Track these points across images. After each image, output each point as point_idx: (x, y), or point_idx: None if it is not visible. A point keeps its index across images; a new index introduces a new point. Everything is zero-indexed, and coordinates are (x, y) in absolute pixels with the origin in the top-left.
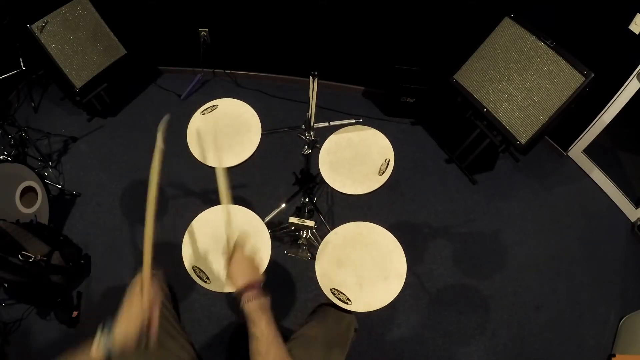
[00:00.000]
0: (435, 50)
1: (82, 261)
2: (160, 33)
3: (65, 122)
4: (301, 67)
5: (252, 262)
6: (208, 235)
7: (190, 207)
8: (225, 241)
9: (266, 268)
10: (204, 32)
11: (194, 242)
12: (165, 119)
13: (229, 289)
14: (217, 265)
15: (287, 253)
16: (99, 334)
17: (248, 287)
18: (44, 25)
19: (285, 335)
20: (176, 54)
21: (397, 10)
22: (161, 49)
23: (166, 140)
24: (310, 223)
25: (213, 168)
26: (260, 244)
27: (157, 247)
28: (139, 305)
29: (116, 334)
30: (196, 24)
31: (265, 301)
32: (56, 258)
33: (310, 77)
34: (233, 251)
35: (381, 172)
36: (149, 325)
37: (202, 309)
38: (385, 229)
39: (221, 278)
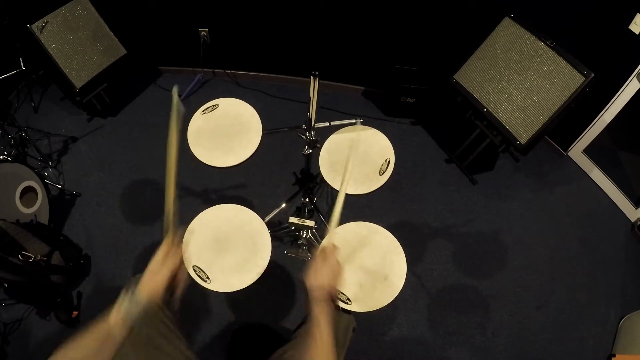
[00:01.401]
0: (435, 50)
1: (82, 261)
2: (160, 33)
3: (65, 122)
4: (301, 67)
5: (339, 270)
6: (209, 235)
7: (190, 206)
8: (327, 236)
9: (266, 269)
10: (204, 32)
11: (194, 241)
12: (175, 91)
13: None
14: (218, 265)
15: (287, 253)
16: (122, 296)
17: (328, 292)
18: (44, 25)
19: (286, 335)
20: (176, 54)
21: (397, 11)
22: (161, 49)
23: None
24: (310, 223)
25: (212, 168)
26: (260, 244)
27: (156, 245)
28: (165, 265)
29: (141, 292)
30: (196, 24)
31: (333, 312)
32: (56, 258)
33: (311, 77)
34: (330, 252)
35: (381, 172)
36: (174, 287)
37: (203, 309)
38: (385, 229)
39: (221, 278)
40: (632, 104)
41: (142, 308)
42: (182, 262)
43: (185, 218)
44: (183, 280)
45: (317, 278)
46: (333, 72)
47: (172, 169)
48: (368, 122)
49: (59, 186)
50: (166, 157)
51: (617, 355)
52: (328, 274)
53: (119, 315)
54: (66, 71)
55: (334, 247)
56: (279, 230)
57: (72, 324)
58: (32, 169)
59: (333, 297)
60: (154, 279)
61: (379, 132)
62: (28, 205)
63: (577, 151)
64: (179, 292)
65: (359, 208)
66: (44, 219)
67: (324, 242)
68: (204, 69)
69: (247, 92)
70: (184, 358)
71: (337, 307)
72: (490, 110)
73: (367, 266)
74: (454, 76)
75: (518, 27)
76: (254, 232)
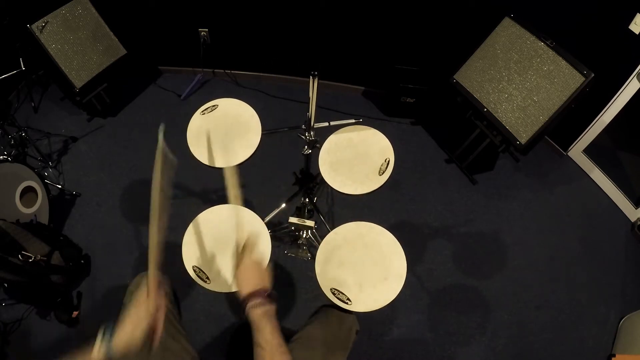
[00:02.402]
0: (435, 50)
1: (82, 261)
2: (160, 33)
3: (65, 122)
4: (301, 67)
5: (259, 268)
6: (208, 235)
7: (190, 206)
8: (234, 245)
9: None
10: (204, 32)
11: (194, 242)
12: (161, 130)
13: (233, 288)
14: (217, 265)
15: (287, 253)
16: (100, 337)
17: (254, 294)
18: (44, 25)
19: (286, 335)
20: (176, 54)
21: (397, 11)
22: (161, 49)
23: (166, 140)
24: (310, 223)
25: (212, 168)
26: (260, 244)
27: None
28: (145, 309)
29: (120, 336)
30: (196, 24)
31: (270, 308)
32: (56, 258)
33: (310, 77)
34: (241, 256)
35: (381, 172)
36: (154, 330)
37: (202, 309)
38: (385, 229)
39: (221, 278)
40: (632, 104)
41: (120, 354)
42: (160, 306)
43: (185, 218)
44: (161, 323)
45: (243, 283)
46: (333, 72)
47: (155, 212)
48: (368, 122)
49: (59, 186)
50: (150, 200)
51: (617, 355)
52: (252, 274)
53: (100, 355)
54: (66, 71)
55: (252, 241)
56: (279, 230)
57: (72, 324)
58: (32, 169)
59: (263, 294)
60: (132, 327)
61: (379, 132)
62: (28, 205)
63: (577, 151)
64: (157, 335)
65: (359, 208)
66: (44, 219)
67: (238, 240)
68: (204, 69)
69: (247, 92)
70: (190, 357)
71: (336, 306)
72: (490, 110)
73: (367, 266)
74: (454, 76)
75: (518, 27)
76: (254, 233)
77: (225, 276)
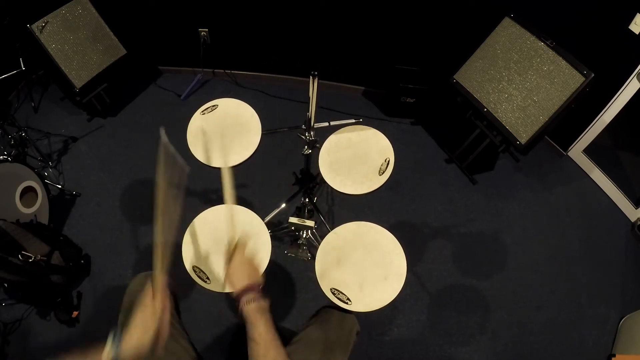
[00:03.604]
0: (435, 50)
1: (82, 261)
2: (160, 33)
3: (65, 122)
4: (301, 67)
5: (251, 264)
6: (208, 235)
7: (190, 207)
8: (227, 242)
9: (266, 268)
10: (204, 32)
11: (194, 242)
12: (163, 133)
13: (228, 289)
14: (217, 265)
15: (287, 253)
16: (109, 341)
17: (247, 290)
18: (44, 25)
19: (286, 335)
20: (176, 54)
21: (397, 10)
22: (161, 49)
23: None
24: (310, 223)
25: (212, 168)
26: (260, 244)
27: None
28: (152, 312)
29: (129, 341)
30: (196, 24)
31: (264, 304)
32: (56, 258)
33: (310, 77)
34: (233, 252)
35: (381, 172)
36: (159, 334)
37: (202, 309)
38: (385, 229)
39: (221, 278)
40: (632, 104)
41: (129, 357)
42: (165, 309)
43: (185, 218)
44: (166, 326)
45: (235, 280)
46: (333, 72)
47: (159, 213)
48: (368, 122)
49: (59, 186)
50: (154, 200)
51: (617, 355)
52: (243, 270)
53: (109, 358)
54: (66, 71)
55: (244, 238)
56: (279, 230)
57: (72, 324)
58: (32, 169)
59: (256, 289)
60: (139, 332)
61: (379, 132)
62: (28, 205)
63: (577, 151)
64: (162, 338)
65: (359, 208)
66: (44, 219)
67: (230, 238)
68: (204, 69)
69: (247, 92)
70: (190, 357)
71: (336, 307)
72: (490, 110)
73: (367, 266)
74: (454, 76)
75: (518, 27)
76: (254, 233)
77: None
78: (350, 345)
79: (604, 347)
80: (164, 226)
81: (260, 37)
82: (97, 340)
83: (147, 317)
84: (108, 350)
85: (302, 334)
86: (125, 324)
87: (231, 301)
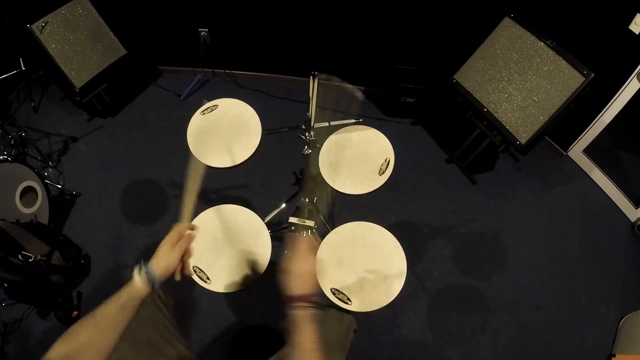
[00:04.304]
0: (435, 50)
1: (82, 261)
2: (160, 33)
3: (65, 122)
4: (301, 67)
5: (315, 273)
6: (209, 235)
7: None
8: (296, 240)
9: (266, 268)
10: (204, 32)
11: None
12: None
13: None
14: (218, 265)
15: (287, 253)
16: (137, 270)
17: (305, 296)
18: (44, 25)
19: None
20: (176, 54)
21: (397, 10)
22: (161, 49)
23: (167, 135)
24: (310, 223)
25: (212, 168)
26: (260, 244)
27: (157, 245)
28: (175, 248)
29: (159, 258)
30: (196, 24)
31: (315, 314)
32: (56, 258)
33: (310, 77)
34: (302, 254)
35: (381, 172)
36: (182, 268)
37: (202, 309)
38: (385, 229)
39: (221, 278)
40: (632, 104)
41: (158, 281)
42: (188, 250)
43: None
44: (188, 264)
45: (301, 282)
46: (333, 72)
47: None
48: (368, 122)
49: (59, 186)
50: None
51: (617, 355)
52: (312, 276)
53: (142, 278)
54: (66, 71)
55: (315, 244)
56: (279, 230)
57: (72, 324)
58: (32, 169)
59: (313, 300)
60: (165, 261)
61: (379, 132)
62: (28, 205)
63: (577, 151)
64: (187, 269)
65: (359, 208)
66: (44, 219)
67: (302, 241)
68: (204, 69)
69: (247, 92)
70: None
71: (334, 306)
72: (490, 110)
73: (367, 266)
74: (454, 76)
75: (518, 27)
76: (254, 232)
77: (225, 276)
78: (348, 343)
79: (604, 347)
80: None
81: (260, 37)
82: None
83: (171, 250)
84: (137, 275)
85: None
86: None
87: (231, 301)
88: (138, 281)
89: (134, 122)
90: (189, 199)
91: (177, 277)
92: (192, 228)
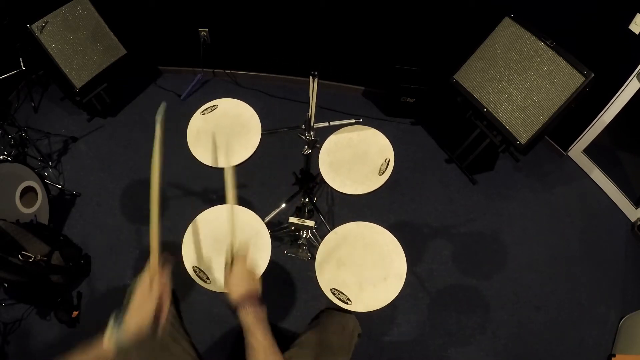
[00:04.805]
0: (435, 50)
1: (82, 261)
2: (160, 33)
3: (65, 122)
4: (301, 67)
5: (250, 272)
6: (208, 236)
7: (190, 207)
8: (226, 249)
9: (266, 268)
10: (204, 32)
11: (194, 242)
12: (162, 108)
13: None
14: (218, 265)
15: (287, 253)
16: (110, 326)
17: (245, 297)
18: (44, 25)
19: (286, 335)
20: (176, 54)
21: (397, 11)
22: (161, 49)
23: (166, 132)
24: (310, 223)
25: (212, 168)
26: (260, 244)
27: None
28: (149, 296)
29: (128, 325)
30: (196, 24)
31: (261, 311)
32: (56, 258)
33: (310, 77)
34: (232, 260)
35: (381, 172)
36: (159, 315)
37: (203, 309)
38: (385, 229)
39: (221, 279)
40: (632, 104)
41: (131, 340)
42: (165, 290)
43: (185, 218)
44: (166, 308)
45: (234, 287)
46: (333, 72)
47: (155, 196)
48: (368, 122)
49: (59, 186)
50: (150, 186)
51: (617, 355)
52: (243, 279)
53: (110, 343)
54: (66, 71)
55: (243, 246)
56: (279, 230)
57: (72, 324)
58: (32, 169)
59: (255, 298)
60: (139, 313)
61: (379, 132)
62: (28, 205)
63: (577, 151)
64: (163, 320)
65: (359, 208)
66: (44, 219)
67: (231, 248)
68: (204, 69)
69: (247, 92)
70: (188, 355)
71: (338, 309)
72: (490, 110)
73: (367, 266)
74: (454, 76)
75: (518, 27)
76: (254, 233)
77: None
78: (352, 347)
79: (604, 347)
80: (158, 211)
81: (260, 37)
82: (97, 340)
83: (145, 300)
84: (109, 334)
85: (303, 337)
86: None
87: None
88: (107, 345)
89: (134, 122)
90: (153, 229)
91: (162, 320)
92: (166, 258)
